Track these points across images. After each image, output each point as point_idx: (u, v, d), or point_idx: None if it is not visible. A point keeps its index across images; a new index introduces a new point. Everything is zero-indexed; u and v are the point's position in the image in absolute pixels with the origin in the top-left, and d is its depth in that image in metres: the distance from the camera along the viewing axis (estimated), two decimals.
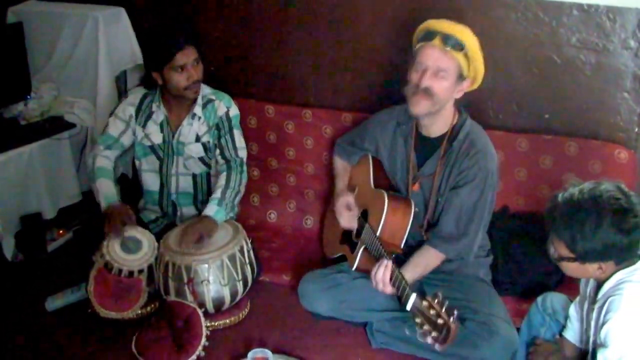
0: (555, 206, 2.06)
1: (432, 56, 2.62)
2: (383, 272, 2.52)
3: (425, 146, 2.84)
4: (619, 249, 1.99)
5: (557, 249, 2.10)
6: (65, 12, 3.80)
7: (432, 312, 2.19)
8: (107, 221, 2.91)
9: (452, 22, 2.65)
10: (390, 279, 2.50)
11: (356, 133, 3.15)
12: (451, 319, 2.13)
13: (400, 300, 2.45)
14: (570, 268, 2.11)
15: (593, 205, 1.99)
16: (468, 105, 2.85)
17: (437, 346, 2.17)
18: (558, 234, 2.06)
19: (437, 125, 2.80)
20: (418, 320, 2.23)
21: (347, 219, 2.95)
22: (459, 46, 2.60)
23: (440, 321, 2.15)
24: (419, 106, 2.67)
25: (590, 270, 2.07)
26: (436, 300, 2.19)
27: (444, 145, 2.77)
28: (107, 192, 3.04)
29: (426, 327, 2.19)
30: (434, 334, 2.17)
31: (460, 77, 2.66)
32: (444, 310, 2.15)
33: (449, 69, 2.62)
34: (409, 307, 2.32)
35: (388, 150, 2.97)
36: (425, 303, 2.22)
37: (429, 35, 2.63)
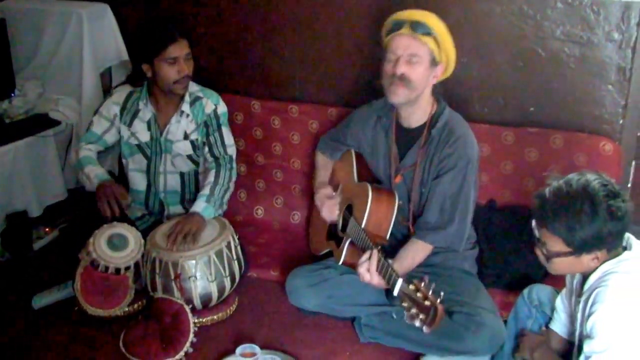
0: (544, 202, 2.04)
1: (402, 44, 2.65)
2: (369, 261, 2.52)
3: (406, 137, 2.85)
4: (613, 235, 1.99)
5: (551, 246, 2.06)
6: (49, 8, 3.80)
7: (419, 294, 2.19)
8: (100, 198, 2.91)
9: (417, 10, 2.70)
10: (377, 268, 2.50)
11: (338, 130, 3.16)
12: (438, 300, 2.14)
13: (388, 287, 2.46)
14: (564, 264, 2.08)
15: (584, 193, 1.98)
16: (449, 97, 2.87)
17: (424, 328, 2.17)
18: (553, 230, 2.03)
19: (417, 116, 2.81)
20: (405, 304, 2.24)
21: (328, 209, 2.96)
22: (428, 31, 2.63)
23: (427, 303, 2.16)
24: (397, 95, 2.69)
25: (584, 262, 2.05)
26: (423, 284, 2.20)
27: (424, 135, 2.79)
28: (97, 172, 3.04)
29: (414, 310, 2.20)
30: (421, 316, 2.17)
31: (433, 62, 2.69)
32: (430, 292, 2.17)
33: (420, 53, 2.65)
34: (396, 291, 2.33)
35: (370, 144, 2.98)
36: (412, 287, 2.23)
37: (397, 25, 2.67)
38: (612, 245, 2.03)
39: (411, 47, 2.64)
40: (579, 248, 2.02)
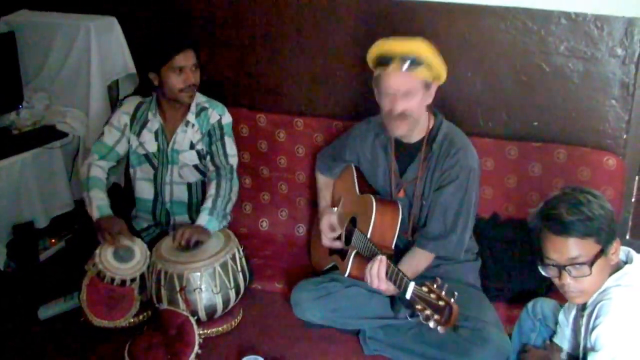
0: (558, 215, 2.01)
1: (395, 82, 2.61)
2: (378, 266, 2.52)
3: (406, 153, 2.87)
4: (614, 216, 2.05)
5: (586, 253, 2.01)
6: (58, 21, 3.81)
7: (432, 295, 2.22)
8: (100, 231, 2.92)
9: (402, 40, 2.62)
10: (386, 273, 2.51)
11: (336, 147, 3.17)
12: (452, 299, 2.17)
13: (397, 292, 2.47)
14: (601, 269, 2.03)
15: (575, 188, 2.07)
16: (453, 112, 2.89)
17: (440, 329, 2.19)
18: (581, 231, 1.99)
19: (415, 132, 2.82)
20: (418, 306, 2.26)
21: (329, 239, 3.03)
22: (417, 62, 2.57)
23: (441, 303, 2.18)
24: (399, 129, 2.72)
25: (611, 260, 2.04)
26: (435, 285, 2.22)
27: (424, 149, 2.80)
28: (100, 203, 3.02)
29: (428, 311, 2.22)
30: (436, 316, 2.19)
31: (427, 86, 2.66)
32: (444, 293, 2.19)
33: (413, 89, 2.62)
34: (408, 294, 2.33)
35: (369, 160, 2.99)
36: (425, 288, 2.26)
37: (385, 61, 2.61)
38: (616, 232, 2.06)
39: (404, 84, 2.60)
40: (605, 239, 2.01)
